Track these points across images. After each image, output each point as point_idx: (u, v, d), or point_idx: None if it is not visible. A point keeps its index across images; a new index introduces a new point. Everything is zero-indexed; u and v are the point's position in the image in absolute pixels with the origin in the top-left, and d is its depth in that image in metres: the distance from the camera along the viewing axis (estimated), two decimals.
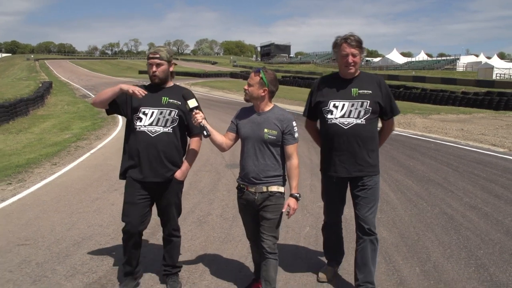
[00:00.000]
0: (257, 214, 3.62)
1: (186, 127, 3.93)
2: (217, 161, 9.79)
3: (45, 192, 7.44)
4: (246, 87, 3.60)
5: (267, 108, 3.63)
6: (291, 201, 3.52)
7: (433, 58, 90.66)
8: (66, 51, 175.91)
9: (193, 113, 3.51)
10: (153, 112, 3.78)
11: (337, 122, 3.74)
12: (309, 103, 4.03)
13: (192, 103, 3.52)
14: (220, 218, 5.88)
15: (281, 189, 3.60)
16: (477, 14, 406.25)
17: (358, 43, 3.65)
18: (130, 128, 3.85)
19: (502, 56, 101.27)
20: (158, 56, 3.78)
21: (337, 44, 3.70)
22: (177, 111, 3.83)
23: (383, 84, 3.83)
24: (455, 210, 6.19)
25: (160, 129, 3.77)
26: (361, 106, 3.71)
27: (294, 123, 3.60)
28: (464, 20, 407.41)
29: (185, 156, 3.98)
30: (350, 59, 3.65)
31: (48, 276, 4.21)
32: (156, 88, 3.88)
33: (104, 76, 64.74)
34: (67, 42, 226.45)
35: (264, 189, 3.56)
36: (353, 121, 3.71)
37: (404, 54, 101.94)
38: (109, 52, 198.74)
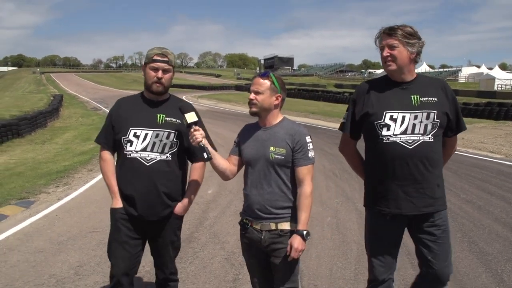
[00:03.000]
0: (264, 257, 2.97)
1: (187, 150, 3.22)
2: None
3: (92, 193, 8.44)
4: (253, 97, 2.88)
5: (276, 121, 2.94)
6: (296, 240, 2.78)
7: (436, 70, 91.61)
8: (71, 64, 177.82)
9: (191, 129, 2.86)
10: (146, 134, 3.07)
11: (397, 140, 2.84)
12: (351, 115, 3.08)
13: (190, 117, 2.88)
14: None
15: (293, 226, 2.88)
16: (479, 25, 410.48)
17: (402, 32, 2.83)
18: (119, 154, 3.17)
19: (503, 67, 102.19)
20: (167, 59, 3.07)
21: (379, 37, 2.94)
22: (176, 133, 3.12)
23: (449, 91, 2.98)
24: (453, 204, 7.13)
25: (156, 156, 3.07)
26: (427, 118, 2.85)
27: (309, 139, 2.90)
28: (466, 31, 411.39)
29: (187, 187, 3.30)
30: (386, 52, 2.86)
31: None
32: (149, 102, 3.17)
33: (110, 89, 65.87)
34: (72, 55, 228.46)
35: (273, 226, 2.86)
36: (419, 138, 2.83)
37: None
38: (114, 65, 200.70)
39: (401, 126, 2.85)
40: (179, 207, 3.22)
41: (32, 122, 19.29)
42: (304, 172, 2.86)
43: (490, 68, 70.73)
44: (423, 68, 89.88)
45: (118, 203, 3.13)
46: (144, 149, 3.07)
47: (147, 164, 3.06)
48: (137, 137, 3.08)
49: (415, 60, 2.91)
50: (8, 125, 16.52)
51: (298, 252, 2.79)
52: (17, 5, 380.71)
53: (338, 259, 5.02)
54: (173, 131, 3.11)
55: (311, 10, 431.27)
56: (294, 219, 2.87)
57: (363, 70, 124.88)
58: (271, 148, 2.86)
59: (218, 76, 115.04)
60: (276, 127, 2.93)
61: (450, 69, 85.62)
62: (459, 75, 74.66)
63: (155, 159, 3.08)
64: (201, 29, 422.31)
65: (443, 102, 2.90)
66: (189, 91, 59.84)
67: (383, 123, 2.88)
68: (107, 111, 3.37)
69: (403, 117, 2.86)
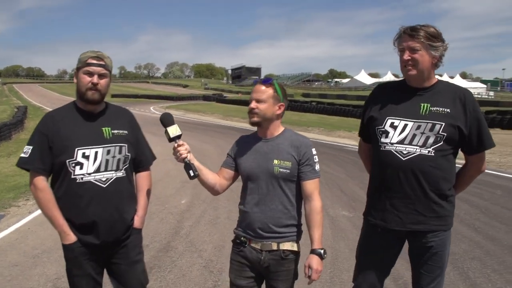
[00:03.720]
0: (258, 278, 2.78)
1: (133, 160, 2.91)
2: None
3: None
4: (254, 105, 2.65)
5: (277, 132, 2.74)
6: (314, 260, 2.61)
7: (400, 78, 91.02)
8: (35, 75, 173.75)
9: (175, 144, 2.62)
10: (96, 153, 2.71)
11: (392, 150, 2.68)
12: (362, 118, 2.99)
13: (173, 130, 2.62)
14: (228, 220, 6.90)
15: (295, 246, 2.72)
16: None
17: (425, 33, 2.58)
18: (61, 179, 2.71)
19: (464, 76, 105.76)
20: (103, 63, 2.73)
21: (398, 37, 2.70)
22: (126, 145, 2.82)
23: (469, 102, 2.66)
24: None
25: (112, 175, 2.75)
26: (431, 130, 2.62)
27: (314, 151, 2.72)
28: None
29: (138, 198, 2.99)
30: (406, 55, 2.62)
31: None
32: (88, 115, 2.79)
33: None
34: (35, 65, 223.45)
35: (274, 246, 2.66)
36: (415, 150, 2.63)
37: (371, 75, 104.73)
38: None
39: (400, 135, 2.68)
40: (137, 221, 2.93)
41: None
42: (312, 186, 2.68)
43: (452, 77, 72.92)
44: (388, 77, 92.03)
45: (72, 237, 2.71)
46: (98, 170, 2.71)
47: (104, 186, 2.72)
48: (87, 157, 2.69)
49: (436, 64, 2.69)
50: None
51: (319, 273, 2.63)
52: None
53: None
54: (124, 144, 2.82)
55: (278, 21, 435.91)
56: (296, 238, 2.73)
57: (330, 80, 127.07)
58: (275, 161, 2.65)
59: (185, 86, 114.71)
60: (278, 138, 2.72)
61: None
62: None
63: (112, 178, 2.75)
64: (168, 39, 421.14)
65: (456, 114, 2.63)
66: (156, 102, 59.60)
67: (382, 129, 2.73)
68: None
69: (405, 126, 2.67)
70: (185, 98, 69.44)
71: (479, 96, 54.37)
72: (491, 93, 59.49)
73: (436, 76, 2.78)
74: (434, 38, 2.61)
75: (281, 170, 2.63)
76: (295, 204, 2.71)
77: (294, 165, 2.65)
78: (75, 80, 2.77)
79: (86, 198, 2.68)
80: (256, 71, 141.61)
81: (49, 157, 2.69)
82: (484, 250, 5.63)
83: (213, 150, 14.98)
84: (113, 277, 2.94)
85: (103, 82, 2.73)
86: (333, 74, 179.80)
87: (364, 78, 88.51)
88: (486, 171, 10.51)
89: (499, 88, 70.31)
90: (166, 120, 2.65)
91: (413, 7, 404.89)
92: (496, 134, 21.97)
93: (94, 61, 2.70)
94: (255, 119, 2.68)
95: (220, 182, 2.80)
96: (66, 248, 2.75)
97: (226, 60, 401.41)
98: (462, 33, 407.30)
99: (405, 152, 2.65)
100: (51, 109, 3.04)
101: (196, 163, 2.66)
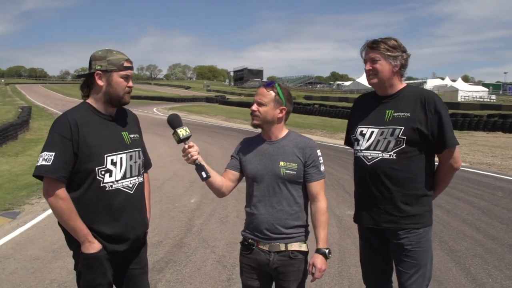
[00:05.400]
0: (268, 279, 2.80)
1: None
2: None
3: None
4: (255, 108, 2.70)
5: (282, 135, 2.77)
6: (318, 259, 2.66)
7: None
8: (37, 76, 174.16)
9: (186, 146, 2.56)
10: (121, 159, 2.63)
11: (361, 156, 2.90)
12: (347, 127, 3.18)
13: (183, 132, 2.55)
14: (237, 219, 7.15)
15: (304, 246, 2.75)
16: (443, 39, 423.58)
17: (385, 45, 2.79)
18: (90, 188, 2.55)
19: (466, 79, 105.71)
20: (132, 66, 2.73)
21: (363, 50, 2.92)
22: (141, 149, 2.79)
23: (431, 103, 2.77)
24: None
25: (136, 181, 2.71)
26: (392, 134, 2.78)
27: (319, 152, 2.77)
28: (431, 44, 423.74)
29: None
30: (368, 66, 2.85)
31: None
32: (108, 119, 2.69)
33: (79, 101, 64.57)
34: (38, 66, 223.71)
35: (282, 247, 2.68)
36: (378, 154, 2.82)
37: None
38: None
39: (367, 142, 2.88)
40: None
41: (3, 134, 19.00)
42: (318, 187, 2.73)
43: (454, 80, 73.12)
44: None
45: (97, 245, 2.57)
46: (124, 177, 2.64)
47: (131, 192, 2.67)
48: (114, 164, 2.59)
49: (399, 73, 2.86)
50: None
51: (322, 272, 2.66)
52: None
53: None
54: (139, 149, 2.77)
55: (281, 23, 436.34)
56: (304, 239, 2.77)
57: (332, 82, 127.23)
58: (281, 163, 2.68)
59: (187, 88, 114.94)
60: (283, 140, 2.76)
61: (415, 81, 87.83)
62: (424, 87, 76.53)
63: (136, 183, 2.71)
64: (171, 40, 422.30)
65: (416, 117, 2.77)
66: (159, 103, 59.84)
67: (355, 137, 2.96)
68: None
69: (372, 133, 2.87)
70: (188, 99, 69.59)
71: (481, 99, 54.50)
72: (493, 97, 59.58)
73: (431, 80, 2.95)
74: (393, 49, 2.80)
75: (288, 171, 2.67)
76: (302, 205, 2.74)
77: (300, 166, 2.69)
78: (101, 83, 2.62)
79: (117, 206, 2.60)
80: (258, 73, 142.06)
81: (72, 165, 2.50)
82: (485, 248, 5.85)
83: (217, 151, 15.26)
84: (124, 284, 2.81)
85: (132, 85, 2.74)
86: (335, 76, 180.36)
87: (366, 81, 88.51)
88: (487, 173, 10.91)
89: (501, 92, 70.38)
90: (175, 121, 2.61)
91: (415, 11, 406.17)
92: (498, 137, 22.23)
93: (129, 64, 2.66)
94: (256, 121, 2.74)
95: (226, 184, 2.80)
96: (91, 257, 2.57)
97: (228, 62, 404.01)
98: (464, 37, 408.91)
99: (370, 157, 2.86)
100: (55, 110, 2.93)
101: (205, 165, 2.65)
